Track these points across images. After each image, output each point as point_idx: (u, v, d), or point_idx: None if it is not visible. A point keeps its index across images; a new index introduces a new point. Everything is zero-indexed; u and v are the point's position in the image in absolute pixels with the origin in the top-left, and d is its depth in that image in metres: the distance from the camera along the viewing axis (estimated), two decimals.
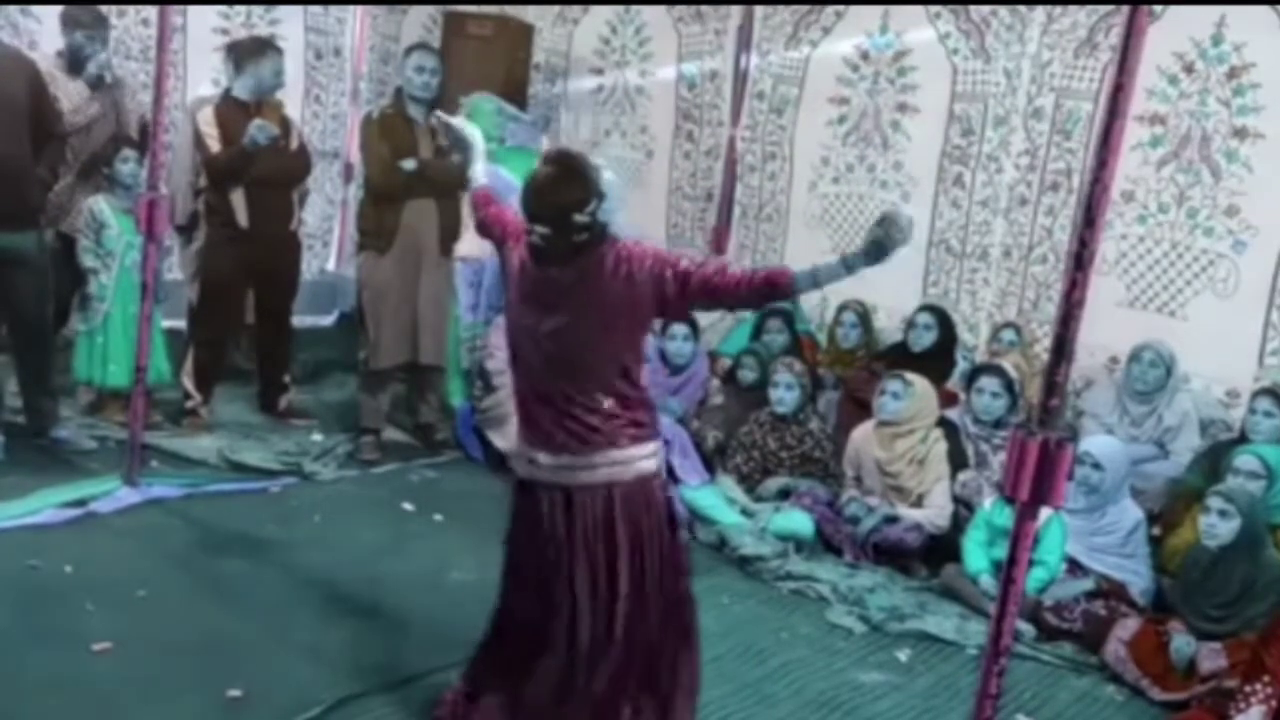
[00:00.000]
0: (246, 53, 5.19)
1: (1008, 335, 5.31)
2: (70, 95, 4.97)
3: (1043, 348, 5.24)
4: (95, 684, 2.98)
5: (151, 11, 6.12)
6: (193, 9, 6.25)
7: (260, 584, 3.74)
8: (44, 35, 5.71)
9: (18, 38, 5.63)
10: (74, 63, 5.10)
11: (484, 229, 3.00)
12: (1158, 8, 4.77)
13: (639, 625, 2.71)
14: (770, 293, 2.63)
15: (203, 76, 6.14)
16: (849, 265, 2.61)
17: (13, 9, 5.63)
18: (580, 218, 2.59)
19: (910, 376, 4.70)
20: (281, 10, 6.76)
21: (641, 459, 2.71)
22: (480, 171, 3.15)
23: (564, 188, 2.62)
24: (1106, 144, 2.15)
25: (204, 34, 6.26)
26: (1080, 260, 2.19)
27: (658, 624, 2.74)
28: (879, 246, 2.57)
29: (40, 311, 4.59)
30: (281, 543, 4.08)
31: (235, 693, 3.01)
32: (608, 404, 2.65)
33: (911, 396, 4.64)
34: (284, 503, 4.53)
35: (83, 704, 2.89)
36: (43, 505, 4.06)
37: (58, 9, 5.23)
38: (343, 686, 3.07)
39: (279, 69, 5.11)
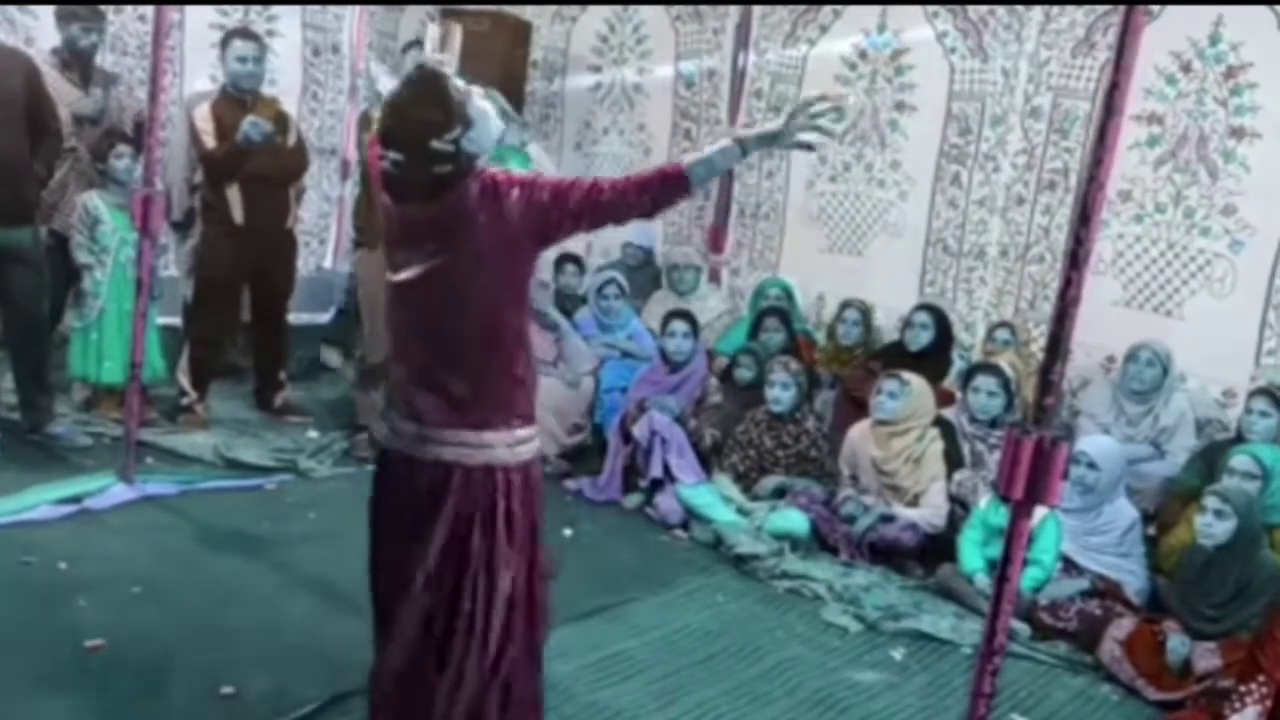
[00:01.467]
0: (222, 44, 5.19)
1: (1002, 334, 5.31)
2: (64, 92, 4.98)
3: (1039, 347, 5.24)
4: (88, 681, 2.97)
5: (148, 8, 6.11)
6: (190, 4, 6.23)
7: (254, 581, 3.73)
8: (40, 31, 5.70)
9: (14, 34, 5.61)
10: (70, 57, 5.11)
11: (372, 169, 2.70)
12: (1155, 7, 4.78)
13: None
14: (662, 188, 2.34)
15: (200, 72, 6.12)
16: (745, 147, 2.36)
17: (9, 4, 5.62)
18: (440, 145, 2.29)
19: (907, 376, 4.70)
20: (279, 7, 6.74)
21: (517, 444, 2.43)
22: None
23: (424, 110, 2.32)
24: (1103, 142, 2.15)
25: (201, 30, 6.24)
26: (1076, 259, 2.19)
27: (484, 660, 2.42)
28: (782, 132, 2.35)
29: (36, 308, 4.58)
30: (276, 540, 4.08)
31: (228, 689, 3.00)
32: (488, 367, 2.38)
33: (908, 396, 4.64)
34: (279, 500, 4.53)
35: (76, 701, 2.88)
36: (37, 501, 4.05)
37: (54, 5, 5.22)
38: (336, 683, 3.06)
39: (242, 55, 5.05)
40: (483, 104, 2.38)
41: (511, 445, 2.43)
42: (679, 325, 5.38)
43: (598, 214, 2.36)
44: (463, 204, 2.31)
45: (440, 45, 3.05)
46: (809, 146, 2.42)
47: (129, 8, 6.15)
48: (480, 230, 2.31)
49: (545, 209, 2.32)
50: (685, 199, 2.40)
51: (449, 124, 2.30)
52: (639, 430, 4.96)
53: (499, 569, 2.42)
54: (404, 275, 2.38)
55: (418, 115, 2.32)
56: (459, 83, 2.38)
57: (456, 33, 2.93)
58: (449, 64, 2.75)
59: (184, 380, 5.20)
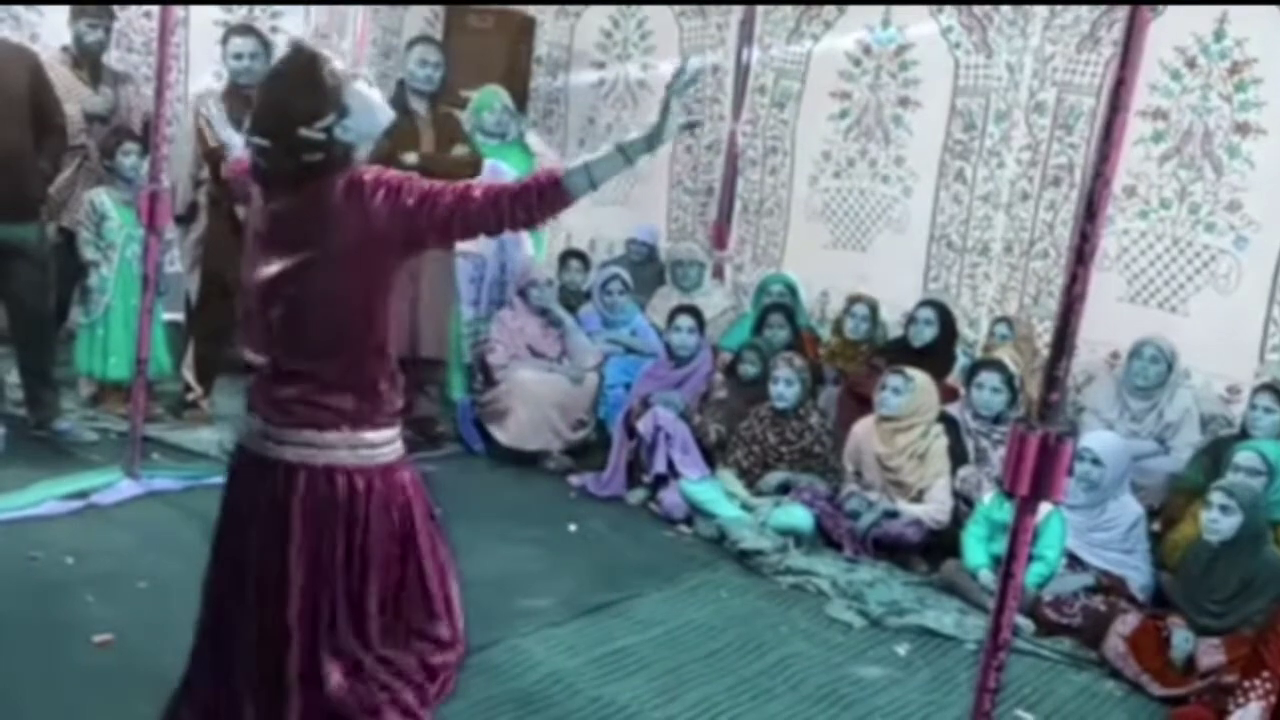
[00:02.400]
0: (223, 41, 5.20)
1: (1000, 329, 5.32)
2: (75, 89, 4.99)
3: (1044, 343, 5.24)
4: (96, 676, 2.99)
5: (154, 5, 6.11)
6: (195, 4, 6.24)
7: None
8: (45, 28, 5.71)
9: (19, 30, 5.62)
10: (79, 54, 5.13)
11: (235, 184, 2.60)
12: (1159, 4, 4.77)
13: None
14: (539, 200, 2.12)
15: (205, 69, 6.13)
16: (628, 153, 2.17)
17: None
18: (309, 133, 2.09)
19: (911, 372, 4.70)
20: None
21: (364, 446, 2.21)
22: (234, 140, 2.78)
23: (294, 94, 2.12)
24: (1108, 138, 2.15)
25: (205, 26, 6.24)
26: (1081, 255, 2.19)
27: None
28: (660, 126, 2.19)
29: (41, 303, 4.59)
30: None
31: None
32: (339, 369, 2.17)
33: (912, 392, 4.64)
34: None
35: (84, 695, 2.89)
36: (44, 497, 4.06)
37: (61, 3, 5.24)
38: None
39: (239, 51, 5.05)
40: (364, 91, 2.18)
41: (355, 447, 2.19)
42: (685, 320, 5.38)
43: (467, 224, 2.14)
44: (327, 199, 2.12)
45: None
46: (691, 126, 2.34)
47: (134, 5, 6.16)
48: (341, 229, 2.11)
49: (410, 214, 2.10)
50: (565, 209, 2.17)
51: (321, 110, 2.10)
52: (643, 426, 4.96)
53: (355, 579, 2.19)
54: (263, 272, 2.17)
55: (287, 99, 2.13)
56: (336, 65, 2.16)
57: (359, 17, 2.82)
58: (335, 46, 2.57)
59: (189, 376, 5.21)
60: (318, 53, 2.19)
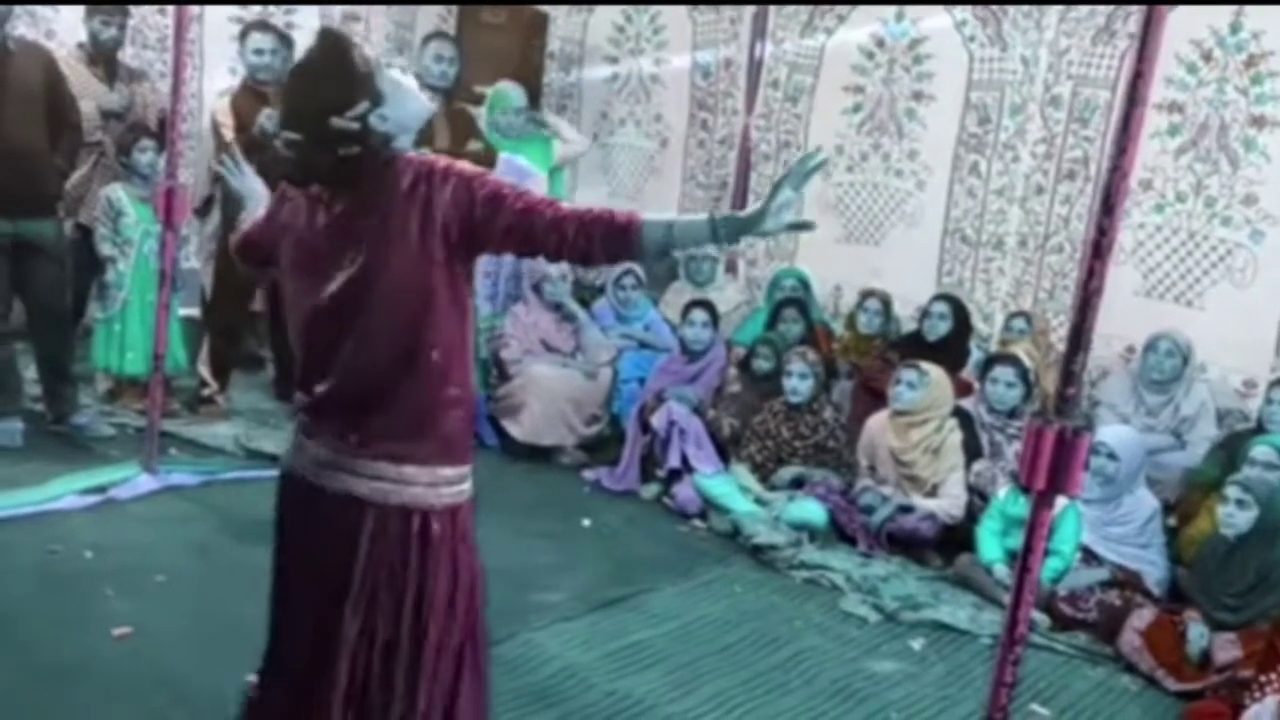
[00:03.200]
0: (240, 37, 5.23)
1: (1018, 324, 5.31)
2: (91, 87, 5.01)
3: (1058, 337, 5.23)
4: (115, 668, 3.01)
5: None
6: (210, 4, 6.26)
7: None
8: (60, 24, 5.74)
9: (35, 27, 5.65)
10: (94, 51, 5.16)
11: (248, 247, 2.37)
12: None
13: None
14: (607, 238, 1.96)
15: (220, 65, 6.15)
16: (718, 230, 1.98)
17: None
18: (341, 123, 1.95)
19: (925, 366, 4.69)
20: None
21: (442, 484, 2.10)
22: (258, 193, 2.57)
23: (324, 81, 1.99)
24: (1126, 132, 2.14)
25: (220, 23, 6.27)
26: (1098, 249, 2.18)
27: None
28: (758, 218, 1.98)
29: (59, 299, 4.62)
30: None
31: (252, 677, 3.02)
32: (415, 389, 2.04)
33: (927, 386, 4.63)
34: None
35: (103, 688, 2.91)
36: (63, 491, 4.09)
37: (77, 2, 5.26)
38: None
39: (260, 48, 5.07)
40: (399, 78, 2.08)
41: (434, 485, 2.08)
42: (699, 314, 5.39)
43: (528, 239, 2.00)
44: (389, 197, 1.99)
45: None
46: (801, 227, 2.08)
47: (149, 3, 6.18)
48: (407, 225, 1.98)
49: (473, 209, 1.98)
50: (628, 258, 2.03)
51: (353, 98, 1.97)
52: (657, 420, 4.97)
53: (429, 630, 2.10)
54: (321, 294, 2.04)
55: (315, 88, 1.99)
56: (367, 52, 2.07)
57: (367, 12, 2.71)
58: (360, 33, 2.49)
59: (204, 371, 5.24)
60: (347, 38, 2.09)
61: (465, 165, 2.06)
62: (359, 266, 2.01)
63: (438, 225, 1.99)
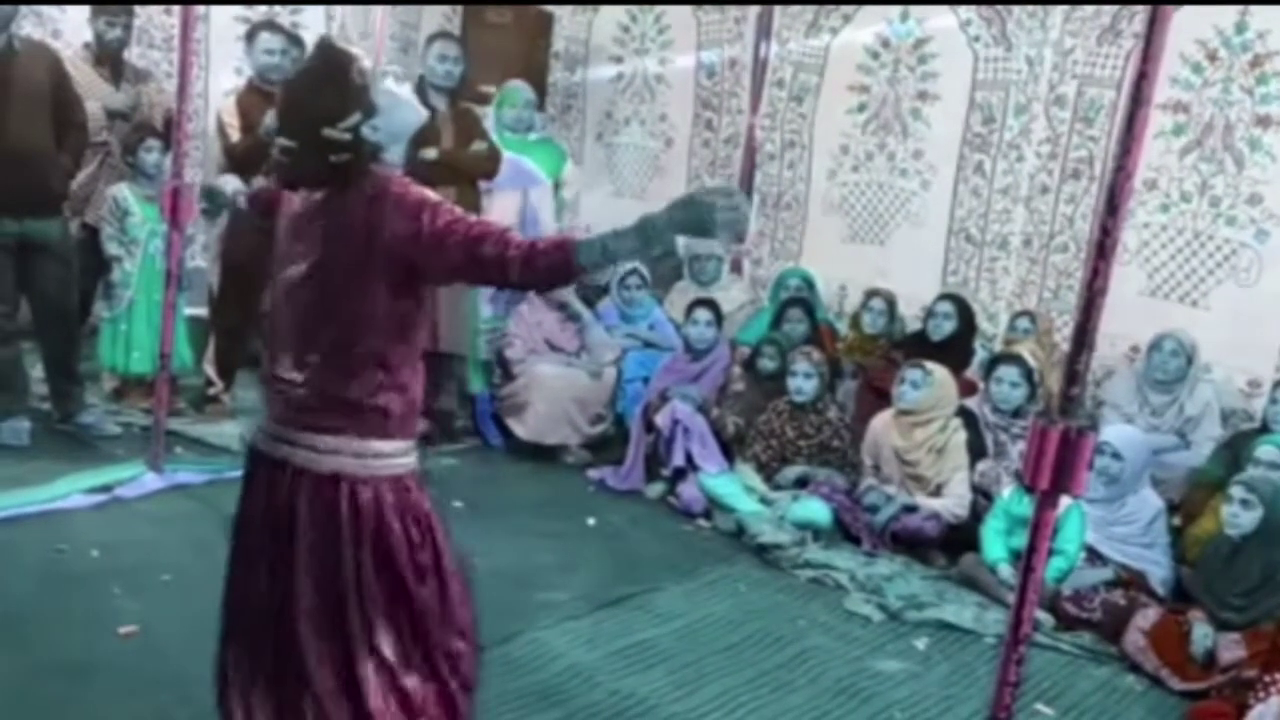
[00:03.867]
0: (247, 37, 5.24)
1: (1022, 323, 5.30)
2: (97, 87, 5.03)
3: (1063, 337, 5.22)
4: (122, 666, 3.02)
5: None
6: (217, 4, 6.27)
7: None
8: (67, 24, 5.75)
9: (41, 27, 5.67)
10: (100, 52, 5.17)
11: (257, 199, 2.62)
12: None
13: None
14: (546, 266, 1.99)
15: (226, 65, 6.17)
16: (649, 236, 1.96)
17: None
18: (333, 133, 2.04)
19: (930, 366, 4.70)
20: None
21: (370, 455, 2.16)
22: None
23: (319, 92, 2.07)
24: (1130, 131, 2.14)
25: (227, 23, 6.28)
26: (1103, 249, 2.18)
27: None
28: (697, 222, 1.93)
29: (65, 298, 4.63)
30: None
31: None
32: (350, 377, 2.13)
33: (931, 386, 4.64)
34: None
35: (109, 686, 2.92)
36: (69, 490, 4.10)
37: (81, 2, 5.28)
38: None
39: (270, 48, 5.09)
40: (394, 89, 2.16)
41: (360, 456, 2.15)
42: (702, 314, 5.39)
43: (471, 270, 2.06)
44: (350, 204, 2.08)
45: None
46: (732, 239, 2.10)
47: (155, 4, 6.19)
48: (353, 238, 2.06)
49: (419, 239, 2.03)
50: (571, 281, 2.07)
51: (346, 110, 2.05)
52: (661, 419, 4.98)
53: (365, 597, 2.16)
54: (286, 274, 2.17)
55: (313, 99, 2.08)
56: (364, 64, 2.12)
57: (378, 13, 2.77)
58: (362, 45, 2.55)
59: (210, 370, 5.25)
60: (345, 50, 2.14)
61: (423, 194, 2.09)
62: (312, 263, 2.13)
63: (382, 245, 2.06)
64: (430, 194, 2.12)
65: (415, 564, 2.19)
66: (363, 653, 2.16)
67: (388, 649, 2.17)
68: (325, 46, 2.16)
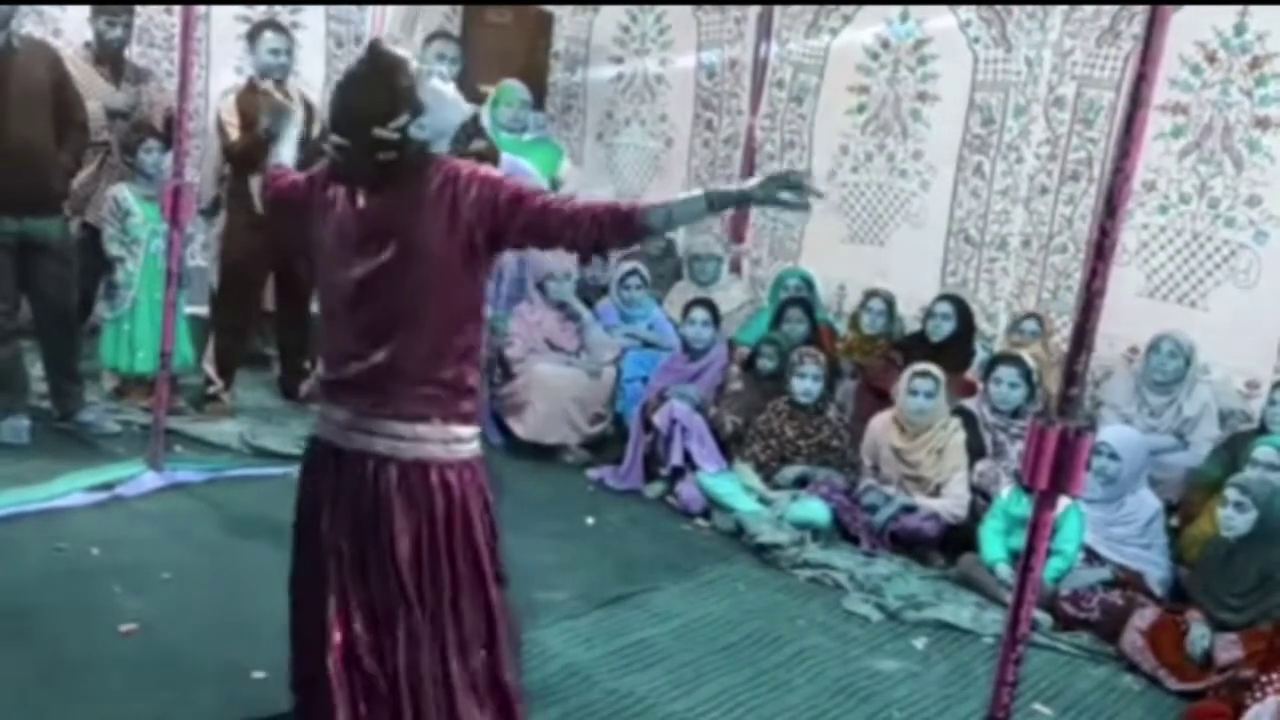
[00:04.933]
0: (249, 36, 5.26)
1: (1029, 326, 5.31)
2: (97, 86, 5.03)
3: (1061, 338, 5.23)
4: (122, 664, 3.03)
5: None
6: (218, 3, 6.28)
7: (283, 567, 3.70)
8: (68, 23, 5.75)
9: (42, 25, 5.67)
10: (100, 51, 5.18)
11: (280, 200, 2.58)
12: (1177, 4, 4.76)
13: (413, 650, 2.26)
14: (613, 226, 2.15)
15: (226, 64, 6.17)
16: (714, 202, 2.19)
17: None
18: (383, 133, 2.16)
19: (935, 372, 4.69)
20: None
21: (453, 441, 2.28)
22: (286, 154, 2.75)
23: (368, 93, 2.19)
24: (1129, 133, 2.15)
25: (227, 22, 6.29)
26: (1101, 250, 2.19)
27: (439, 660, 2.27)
28: (755, 193, 2.18)
29: (65, 298, 4.63)
30: None
31: (259, 674, 3.04)
32: (431, 364, 2.24)
33: (939, 394, 4.64)
34: None
35: (110, 683, 2.93)
36: (69, 489, 4.10)
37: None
38: None
39: (275, 47, 5.11)
40: (439, 87, 2.26)
41: (446, 442, 2.27)
42: (699, 313, 5.40)
43: (546, 234, 2.20)
44: (420, 192, 2.19)
45: (404, 27, 3.01)
46: (796, 205, 2.24)
47: (155, 3, 6.20)
48: (433, 220, 2.18)
49: (496, 210, 2.18)
50: (637, 242, 2.26)
51: (394, 109, 2.17)
52: (659, 419, 4.98)
53: (461, 572, 2.29)
54: (353, 272, 2.23)
55: (361, 99, 2.20)
56: (411, 65, 2.23)
57: (421, 15, 2.86)
58: (407, 45, 2.64)
59: (210, 369, 5.25)
60: (395, 53, 2.25)
61: (489, 169, 2.25)
62: (389, 256, 2.20)
63: (463, 223, 2.18)
64: (492, 169, 2.28)
65: (491, 548, 2.33)
66: (454, 646, 2.28)
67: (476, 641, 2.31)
68: (376, 49, 2.25)
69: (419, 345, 2.23)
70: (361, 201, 2.25)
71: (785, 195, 2.19)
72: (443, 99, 2.25)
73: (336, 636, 2.28)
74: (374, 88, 2.19)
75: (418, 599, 2.26)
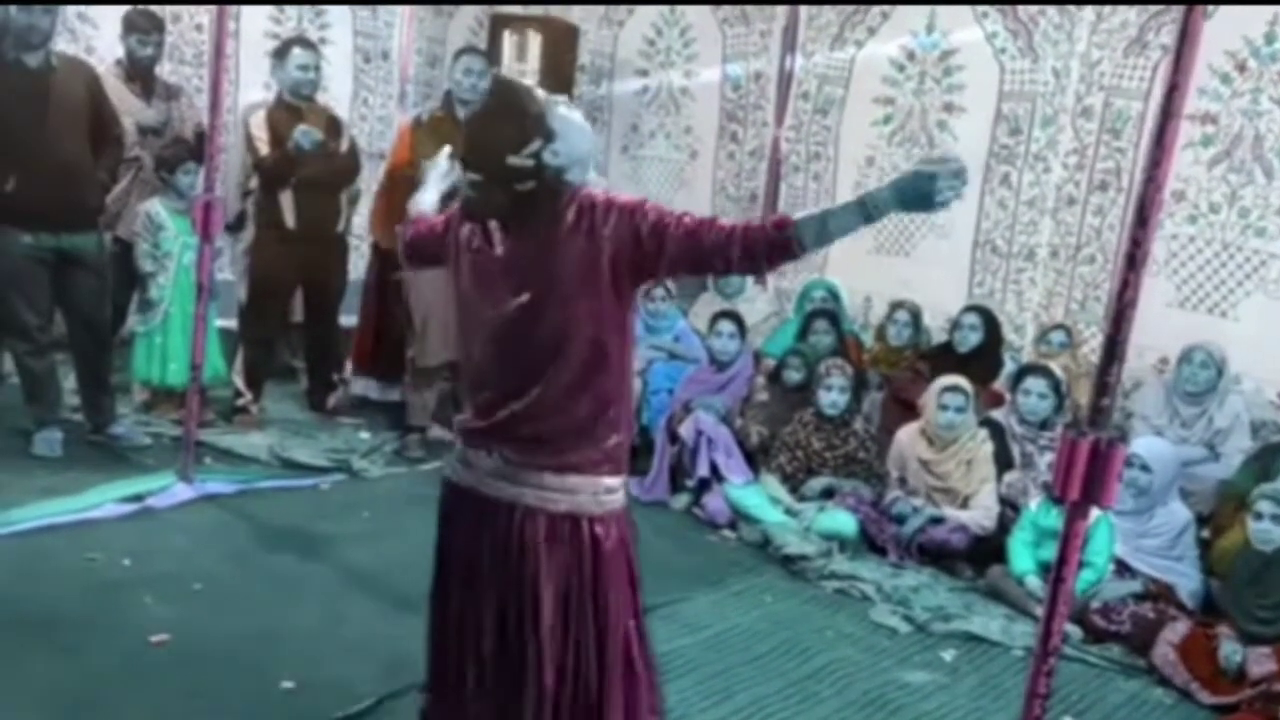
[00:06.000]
0: (277, 53, 5.31)
1: (1058, 337, 5.28)
2: (129, 103, 5.10)
3: (1090, 348, 5.20)
4: (153, 674, 3.05)
5: (205, 17, 6.23)
6: (244, 12, 6.35)
7: (312, 578, 3.80)
8: (100, 40, 5.84)
9: (75, 43, 5.75)
10: (132, 69, 5.25)
11: (416, 247, 2.54)
12: (1210, 5, 4.73)
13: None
14: (766, 247, 2.06)
15: (255, 81, 6.24)
16: (870, 212, 2.03)
17: (69, 12, 5.74)
18: (517, 161, 2.12)
19: (964, 385, 4.67)
20: (331, 14, 6.85)
21: (604, 492, 2.26)
22: (428, 201, 2.68)
23: (498, 124, 2.16)
24: (1160, 143, 2.14)
25: (256, 38, 6.36)
26: (1133, 260, 2.18)
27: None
28: (920, 195, 2.00)
29: (99, 311, 4.69)
30: (332, 538, 4.14)
31: (288, 684, 3.06)
32: (581, 408, 2.20)
33: (969, 408, 4.62)
34: (333, 499, 4.60)
35: (142, 693, 2.95)
36: (100, 500, 4.15)
37: (115, 13, 5.36)
38: (392, 679, 3.11)
39: (304, 63, 5.16)
40: (567, 114, 2.20)
41: (597, 493, 2.24)
42: (725, 325, 5.40)
43: (695, 261, 2.13)
44: (555, 229, 2.14)
45: (518, 53, 2.99)
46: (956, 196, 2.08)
47: (185, 15, 6.28)
48: (573, 257, 2.12)
49: (640, 241, 2.10)
50: (792, 260, 2.11)
51: (527, 137, 2.13)
52: (685, 430, 4.98)
53: (608, 629, 2.27)
54: (496, 311, 2.19)
55: (492, 131, 2.17)
56: (538, 92, 2.20)
57: (535, 41, 2.82)
58: (528, 73, 2.64)
59: (239, 381, 5.30)
60: (518, 83, 2.26)
61: (625, 197, 2.18)
62: (530, 296, 2.16)
63: (605, 257, 2.13)
64: (629, 196, 2.20)
65: (634, 600, 2.32)
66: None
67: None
68: (500, 82, 2.29)
69: (564, 388, 2.17)
70: (498, 240, 2.22)
71: (949, 191, 2.01)
72: (572, 125, 2.19)
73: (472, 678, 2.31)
74: (504, 118, 2.16)
75: (555, 653, 2.24)
